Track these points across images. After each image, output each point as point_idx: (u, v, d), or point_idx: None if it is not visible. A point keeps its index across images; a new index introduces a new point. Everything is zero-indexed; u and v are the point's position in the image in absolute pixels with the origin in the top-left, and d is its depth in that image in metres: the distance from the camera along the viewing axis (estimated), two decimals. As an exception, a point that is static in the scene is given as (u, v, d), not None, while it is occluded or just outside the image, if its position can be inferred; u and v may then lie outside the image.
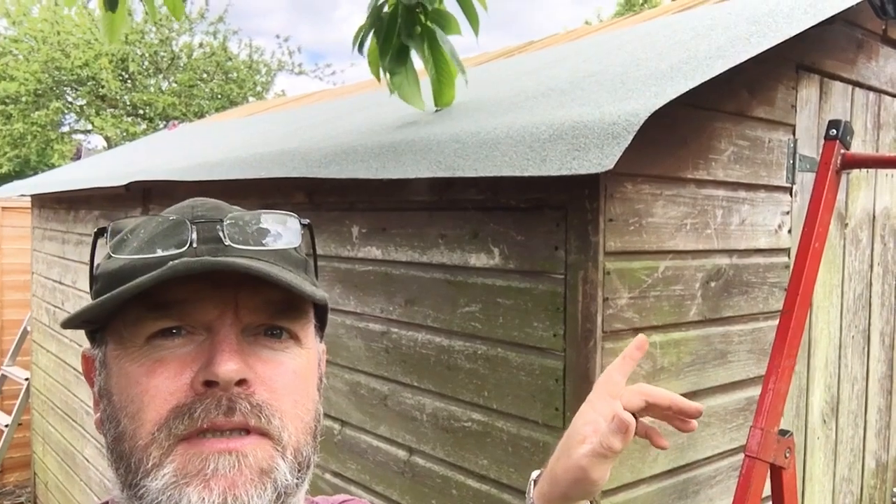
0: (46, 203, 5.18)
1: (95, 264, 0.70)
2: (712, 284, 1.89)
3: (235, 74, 16.81)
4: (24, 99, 14.44)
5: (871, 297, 2.51)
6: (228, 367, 0.60)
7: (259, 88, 17.39)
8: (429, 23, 1.85)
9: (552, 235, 1.69)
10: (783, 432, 1.67)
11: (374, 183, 2.10)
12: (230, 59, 16.69)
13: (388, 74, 1.93)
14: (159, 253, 0.64)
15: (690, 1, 3.05)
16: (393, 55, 1.90)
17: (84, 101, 15.61)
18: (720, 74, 1.64)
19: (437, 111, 2.11)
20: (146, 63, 15.97)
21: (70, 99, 15.67)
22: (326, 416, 2.44)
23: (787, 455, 1.66)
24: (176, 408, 0.60)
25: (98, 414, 0.67)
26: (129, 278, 0.61)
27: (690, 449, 1.86)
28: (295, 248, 0.70)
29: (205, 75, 16.43)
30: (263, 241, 0.67)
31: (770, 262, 2.06)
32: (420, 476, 2.06)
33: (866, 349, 2.51)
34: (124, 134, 15.01)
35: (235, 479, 0.59)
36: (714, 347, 1.91)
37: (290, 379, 0.65)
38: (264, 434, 0.62)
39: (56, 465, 5.18)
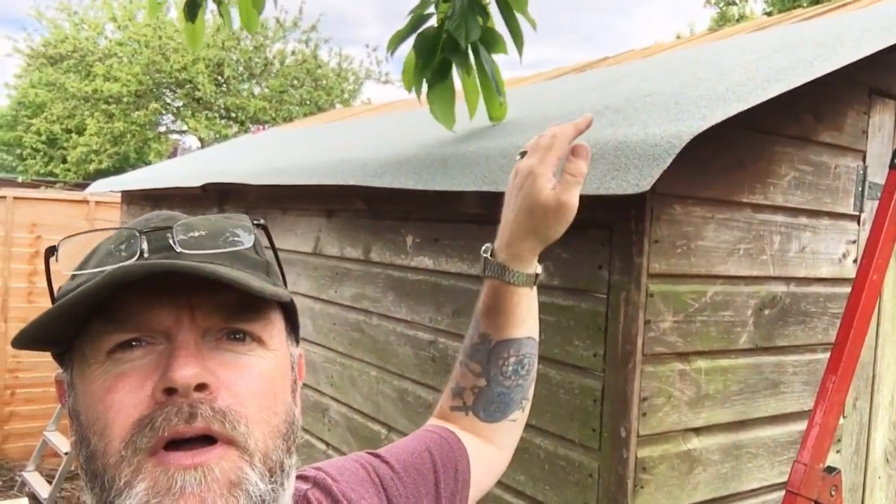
0: (135, 199, 5.44)
1: (56, 287, 0.69)
2: (766, 312, 1.84)
3: (324, 82, 17.23)
4: (125, 99, 15.19)
5: (946, 334, 2.38)
6: (185, 371, 0.59)
7: (346, 96, 17.77)
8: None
9: (596, 255, 1.68)
10: (830, 469, 1.60)
11: (428, 194, 2.13)
12: (320, 66, 17.13)
13: (426, 88, 1.97)
14: (109, 267, 0.62)
15: (774, 19, 2.98)
16: (434, 69, 1.93)
17: (181, 103, 16.30)
18: (781, 98, 1.60)
19: (492, 125, 2.13)
20: (240, 68, 16.55)
21: (168, 100, 16.39)
22: (375, 420, 2.48)
23: (833, 493, 1.60)
24: (138, 421, 0.59)
25: (72, 437, 0.67)
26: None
27: (734, 480, 1.81)
28: (255, 251, 0.69)
29: (295, 82, 16.91)
30: (215, 245, 0.66)
31: (832, 291, 1.99)
32: (460, 487, 2.07)
33: (939, 388, 2.38)
34: (217, 135, 15.58)
35: (204, 496, 0.58)
36: (765, 377, 1.86)
37: (254, 382, 0.64)
38: (230, 442, 0.61)
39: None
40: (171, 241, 0.64)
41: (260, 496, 0.61)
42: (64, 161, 17.10)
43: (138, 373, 0.61)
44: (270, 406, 0.65)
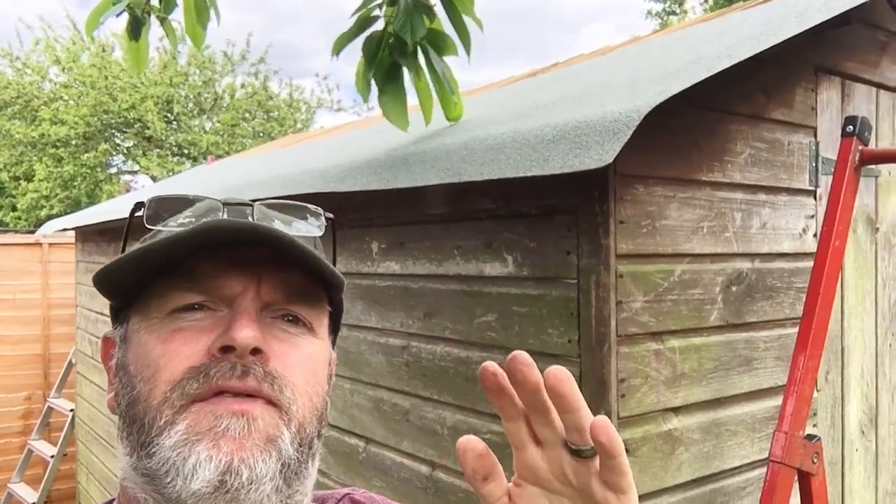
0: (89, 237, 5.33)
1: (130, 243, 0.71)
2: (734, 289, 1.85)
3: (276, 113, 17.16)
4: (73, 142, 14.92)
5: (908, 304, 2.43)
6: (246, 332, 0.61)
7: (300, 126, 17.71)
8: (423, 41, 1.88)
9: (564, 240, 1.68)
10: (810, 437, 1.61)
11: (392, 197, 2.12)
12: (271, 98, 17.06)
13: (376, 91, 1.97)
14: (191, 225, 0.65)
15: (717, 13, 3.04)
16: (382, 72, 1.93)
17: (131, 143, 16.07)
18: (732, 76, 1.63)
19: (450, 125, 2.13)
20: (190, 104, 16.40)
21: (118, 141, 16.14)
22: (352, 433, 2.44)
23: (815, 460, 1.60)
24: (191, 368, 0.61)
25: (112, 393, 0.68)
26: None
27: (716, 458, 1.81)
28: (314, 245, 0.72)
29: (247, 114, 16.80)
30: (290, 227, 0.68)
31: (795, 266, 2.01)
32: (443, 491, 2.04)
33: (906, 358, 2.42)
34: (170, 173, 15.37)
35: (244, 442, 0.60)
36: (738, 354, 1.87)
37: (304, 359, 0.67)
38: (274, 403, 0.63)
39: (99, 495, 5.25)
40: (249, 217, 0.67)
41: (288, 459, 0.63)
42: (14, 209, 16.71)
43: (195, 330, 0.63)
44: (313, 385, 0.68)
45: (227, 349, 0.61)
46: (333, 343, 0.77)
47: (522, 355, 0.51)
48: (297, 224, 0.70)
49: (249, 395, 0.62)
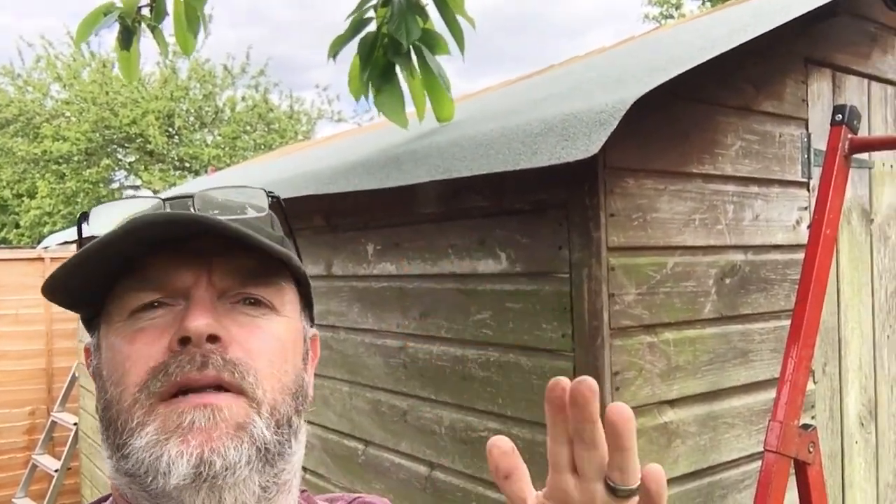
0: (90, 250, 5.34)
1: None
2: (727, 281, 1.85)
3: (277, 125, 17.22)
4: (75, 158, 14.97)
5: (905, 295, 2.42)
6: (199, 321, 0.62)
7: (300, 137, 17.77)
8: (416, 41, 1.89)
9: (555, 235, 1.68)
10: (805, 426, 1.61)
11: (386, 199, 2.13)
12: (272, 110, 17.12)
13: (372, 91, 1.98)
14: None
15: (707, 10, 3.05)
16: (378, 72, 1.94)
17: (133, 158, 16.12)
18: (720, 68, 1.63)
19: (442, 126, 2.14)
20: (191, 118, 16.47)
21: (120, 156, 16.20)
22: (351, 436, 2.44)
23: (812, 450, 1.60)
24: (153, 368, 0.62)
25: (96, 398, 0.70)
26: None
27: (713, 451, 1.81)
28: (271, 226, 0.73)
29: (248, 127, 16.86)
30: (234, 214, 0.69)
31: (789, 258, 2.01)
32: (441, 491, 2.04)
33: (905, 350, 2.42)
34: (171, 187, 15.42)
35: (211, 432, 0.61)
36: (734, 346, 1.87)
37: (265, 341, 0.67)
38: (239, 392, 0.63)
39: (104, 508, 5.24)
40: (191, 209, 0.67)
41: (265, 444, 0.63)
42: (17, 226, 16.77)
43: (157, 328, 0.64)
44: (280, 364, 0.67)
45: (184, 341, 0.62)
46: (311, 318, 0.77)
47: (590, 381, 0.51)
48: (241, 209, 0.70)
49: (213, 387, 0.62)
